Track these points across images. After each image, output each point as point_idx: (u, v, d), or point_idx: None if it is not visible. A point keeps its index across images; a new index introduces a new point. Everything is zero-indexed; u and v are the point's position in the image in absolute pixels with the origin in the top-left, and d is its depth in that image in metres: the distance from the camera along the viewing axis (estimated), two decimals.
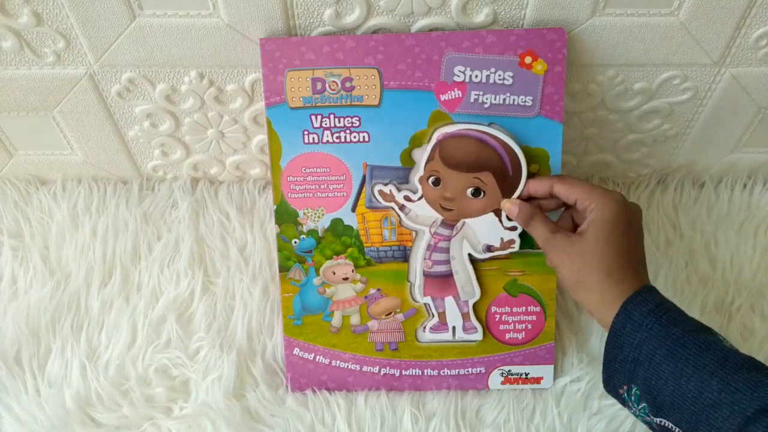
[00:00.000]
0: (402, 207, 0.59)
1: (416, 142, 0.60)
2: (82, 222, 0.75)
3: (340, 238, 0.62)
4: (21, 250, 0.74)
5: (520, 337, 0.65)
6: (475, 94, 0.58)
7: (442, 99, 0.58)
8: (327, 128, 0.59)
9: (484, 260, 0.62)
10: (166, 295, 0.70)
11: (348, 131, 0.59)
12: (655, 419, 0.49)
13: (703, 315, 0.69)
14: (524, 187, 0.58)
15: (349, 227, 0.62)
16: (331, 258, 0.62)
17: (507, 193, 0.58)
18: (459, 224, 0.58)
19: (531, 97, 0.58)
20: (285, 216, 0.62)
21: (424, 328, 0.63)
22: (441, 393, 0.66)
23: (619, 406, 0.64)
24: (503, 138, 0.57)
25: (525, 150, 0.58)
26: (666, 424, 0.48)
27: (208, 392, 0.65)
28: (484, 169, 0.57)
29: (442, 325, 0.62)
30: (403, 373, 0.65)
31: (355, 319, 0.64)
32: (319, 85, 0.58)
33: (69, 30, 0.61)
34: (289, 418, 0.64)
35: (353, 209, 0.61)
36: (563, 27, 0.59)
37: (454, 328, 0.64)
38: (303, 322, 0.65)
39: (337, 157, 0.60)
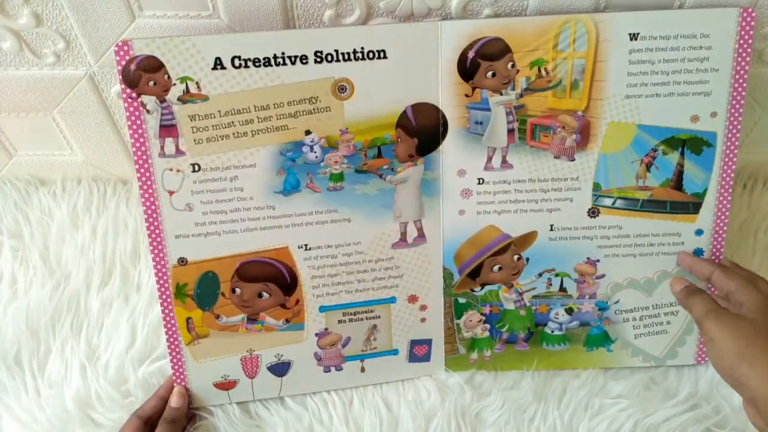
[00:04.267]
0: None
1: None
2: (82, 222, 0.75)
3: None
4: (21, 250, 0.74)
5: None
6: None
7: None
8: None
9: None
10: None
11: None
12: None
13: None
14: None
15: None
16: None
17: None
18: None
19: None
20: None
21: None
22: (439, 392, 0.66)
23: (620, 406, 0.64)
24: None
25: None
26: None
27: None
28: None
29: None
30: None
31: None
32: None
33: (69, 31, 0.61)
34: (288, 418, 0.65)
35: None
36: None
37: None
38: None
39: None
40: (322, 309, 0.64)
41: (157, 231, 0.60)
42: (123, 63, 0.55)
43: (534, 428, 0.63)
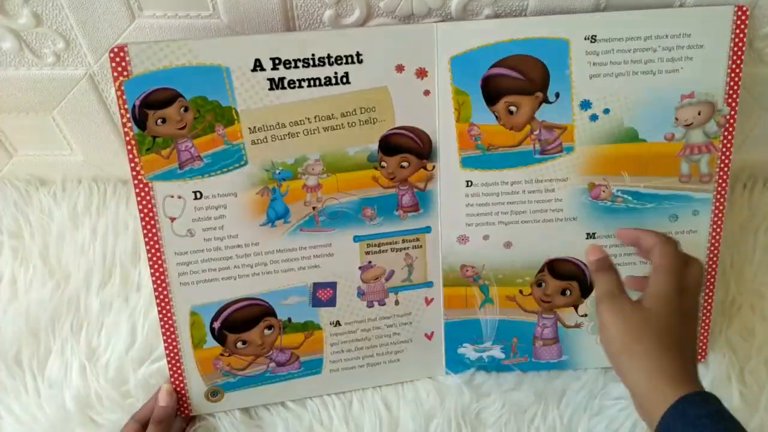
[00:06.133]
0: None
1: None
2: (82, 222, 0.75)
3: None
4: (21, 250, 0.74)
5: None
6: None
7: None
8: None
9: None
10: None
11: None
12: None
13: None
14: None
15: None
16: None
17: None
18: None
19: None
20: None
21: None
22: (439, 392, 0.66)
23: (620, 406, 0.64)
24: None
25: None
26: None
27: None
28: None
29: None
30: None
31: None
32: None
33: (69, 31, 0.61)
34: (289, 418, 0.65)
35: None
36: None
37: None
38: None
39: None
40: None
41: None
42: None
43: (534, 428, 0.64)
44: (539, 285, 0.65)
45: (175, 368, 0.63)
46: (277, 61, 0.56)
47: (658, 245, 0.54)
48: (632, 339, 0.49)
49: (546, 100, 0.59)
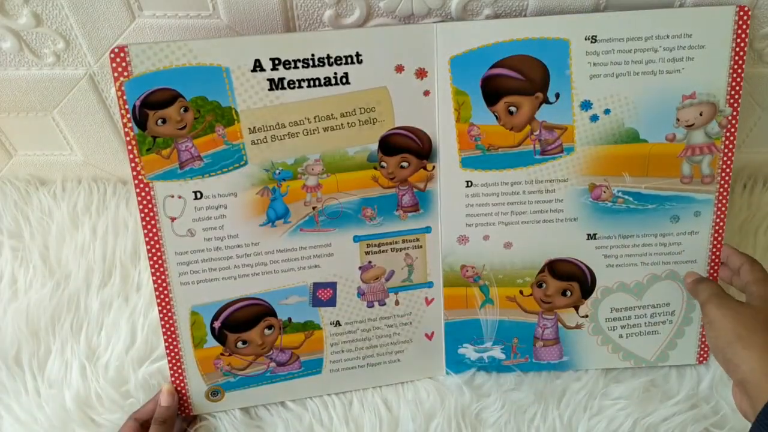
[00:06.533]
0: None
1: None
2: (82, 222, 0.75)
3: None
4: (21, 250, 0.74)
5: None
6: None
7: None
8: None
9: None
10: None
11: None
12: None
13: None
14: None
15: None
16: None
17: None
18: None
19: None
20: None
21: None
22: (439, 392, 0.66)
23: (620, 406, 0.64)
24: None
25: None
26: None
27: None
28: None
29: None
30: None
31: None
32: None
33: (68, 31, 0.61)
34: (289, 419, 0.65)
35: None
36: None
37: None
38: None
39: None
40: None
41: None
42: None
43: (534, 428, 0.64)
44: (540, 285, 0.65)
45: (175, 368, 0.63)
46: (276, 62, 0.56)
47: (747, 263, 0.60)
48: (746, 330, 0.52)
49: (546, 101, 0.59)
